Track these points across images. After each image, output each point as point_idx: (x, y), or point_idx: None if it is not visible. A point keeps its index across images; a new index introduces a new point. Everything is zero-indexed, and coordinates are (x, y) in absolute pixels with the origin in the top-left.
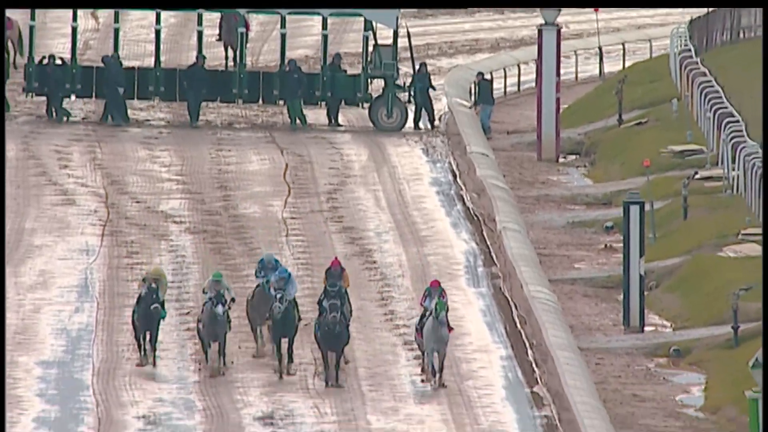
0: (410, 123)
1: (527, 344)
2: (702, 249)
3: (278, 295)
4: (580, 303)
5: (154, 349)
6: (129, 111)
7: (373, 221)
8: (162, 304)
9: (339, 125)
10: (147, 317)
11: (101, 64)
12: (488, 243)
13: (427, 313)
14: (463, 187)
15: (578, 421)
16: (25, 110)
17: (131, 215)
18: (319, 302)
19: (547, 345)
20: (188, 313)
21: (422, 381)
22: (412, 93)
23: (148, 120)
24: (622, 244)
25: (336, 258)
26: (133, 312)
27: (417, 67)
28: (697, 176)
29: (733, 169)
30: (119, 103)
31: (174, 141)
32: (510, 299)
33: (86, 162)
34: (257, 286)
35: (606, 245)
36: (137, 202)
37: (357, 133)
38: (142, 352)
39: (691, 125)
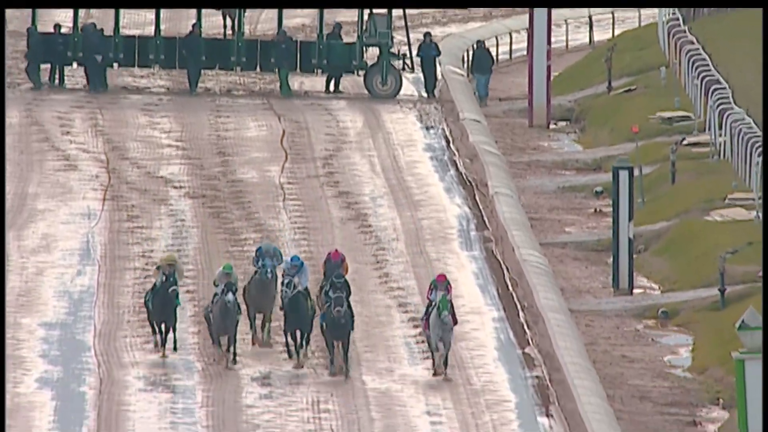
0: (404, 90)
1: (519, 306)
2: (689, 213)
3: (286, 281)
4: (570, 266)
5: (164, 342)
6: (130, 78)
7: (368, 186)
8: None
9: (340, 92)
10: (164, 305)
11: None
12: (481, 207)
13: (433, 305)
14: (456, 153)
15: (568, 381)
16: (26, 78)
17: (132, 180)
18: (325, 293)
19: (538, 307)
20: (189, 277)
21: (434, 375)
22: (419, 62)
23: (148, 87)
24: (611, 209)
25: (336, 249)
26: (146, 298)
27: (422, 37)
28: (684, 142)
29: (720, 135)
30: (97, 70)
31: (174, 108)
32: (502, 262)
33: (88, 128)
34: (255, 273)
35: (596, 209)
36: (138, 167)
37: (352, 101)
38: (158, 340)
39: (679, 92)
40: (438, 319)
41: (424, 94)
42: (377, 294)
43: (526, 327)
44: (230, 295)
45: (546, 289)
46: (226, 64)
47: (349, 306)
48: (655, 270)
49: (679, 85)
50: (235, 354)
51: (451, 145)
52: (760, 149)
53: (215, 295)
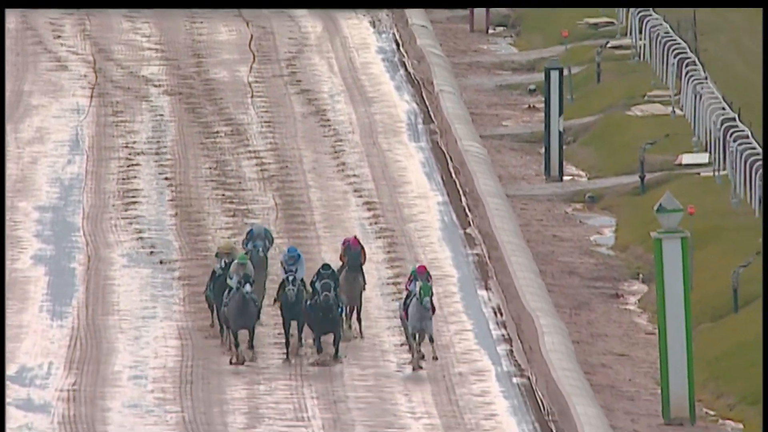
0: None
1: (461, 191)
2: (613, 109)
3: (290, 277)
4: (507, 156)
5: (237, 344)
6: None
7: (326, 84)
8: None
9: None
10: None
11: None
12: (427, 103)
13: (412, 295)
14: (405, 55)
15: (505, 258)
16: None
17: (116, 79)
18: (312, 284)
19: (478, 192)
20: (167, 165)
21: (409, 363)
22: None
23: None
24: (543, 105)
25: (355, 237)
26: (207, 287)
27: None
28: (608, 45)
29: (640, 39)
30: None
31: (153, 14)
32: (446, 152)
33: (77, 33)
34: (246, 253)
35: (529, 105)
36: (121, 67)
37: (313, 8)
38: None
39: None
40: (419, 307)
41: None
42: (335, 181)
43: (467, 210)
44: (248, 287)
45: (485, 176)
46: None
47: (337, 296)
48: (582, 159)
49: None
50: (252, 347)
51: (401, 48)
52: (676, 51)
53: (230, 289)
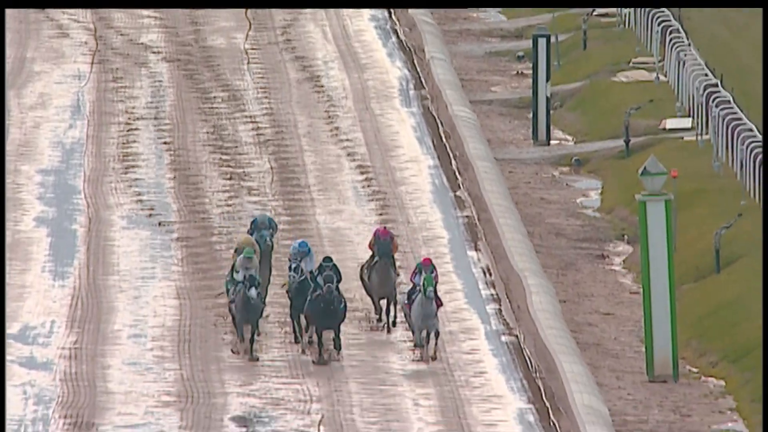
0: None
1: (451, 155)
2: (599, 75)
3: (293, 265)
4: (496, 120)
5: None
6: None
7: (321, 51)
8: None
9: None
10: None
11: None
12: (418, 70)
13: (417, 289)
14: (397, 23)
15: (494, 220)
16: None
17: (116, 46)
18: (314, 278)
19: (468, 156)
20: (165, 130)
21: (414, 359)
22: None
23: None
24: (531, 71)
25: (384, 227)
26: (227, 280)
27: None
28: (594, 13)
29: (625, 6)
30: None
31: None
32: (437, 117)
33: None
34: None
35: (518, 72)
36: (121, 35)
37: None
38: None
39: None
40: (424, 300)
41: None
42: (329, 145)
43: (457, 173)
44: (253, 291)
45: (475, 141)
46: None
47: (339, 292)
48: (569, 124)
49: None
50: (252, 342)
51: (393, 15)
52: (660, 19)
53: (236, 283)
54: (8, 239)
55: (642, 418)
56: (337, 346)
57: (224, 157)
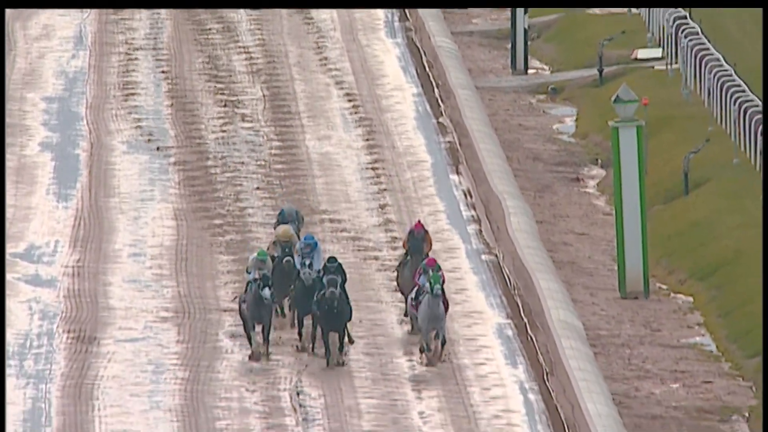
0: None
1: (434, 84)
2: (574, 8)
3: (307, 262)
4: (476, 51)
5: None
6: None
7: None
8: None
9: None
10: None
11: None
12: None
13: (423, 291)
14: None
15: (475, 145)
16: None
17: None
18: (319, 279)
19: (450, 84)
20: (163, 60)
21: (419, 362)
22: None
23: None
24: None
25: (419, 221)
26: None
27: None
28: None
29: None
30: None
31: None
32: (420, 48)
33: None
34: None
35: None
36: None
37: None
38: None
39: None
40: (432, 300)
41: None
42: (318, 74)
43: (439, 101)
44: (266, 291)
45: (456, 70)
46: None
47: (344, 291)
48: (545, 54)
49: None
50: (268, 343)
51: None
52: None
53: (248, 283)
54: (15, 163)
55: (614, 332)
56: (340, 349)
57: (219, 85)
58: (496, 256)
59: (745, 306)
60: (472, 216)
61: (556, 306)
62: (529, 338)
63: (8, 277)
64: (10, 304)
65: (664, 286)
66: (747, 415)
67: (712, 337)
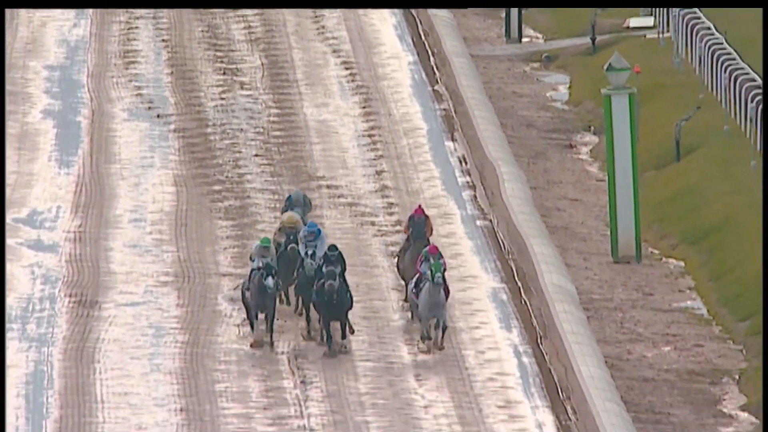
0: None
1: (429, 52)
2: None
3: (310, 251)
4: (471, 19)
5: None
6: None
7: None
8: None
9: None
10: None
11: None
12: None
13: (424, 278)
14: None
15: (470, 112)
16: None
17: None
18: (319, 268)
19: (445, 52)
20: (163, 29)
21: (419, 349)
22: None
23: None
24: None
25: (420, 206)
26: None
27: None
28: None
29: None
30: None
31: None
32: (416, 17)
33: None
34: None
35: None
36: None
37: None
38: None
39: None
40: (432, 288)
41: None
42: (316, 42)
43: (435, 69)
44: (270, 280)
45: (451, 38)
46: None
47: (344, 280)
48: (539, 22)
49: None
50: (272, 331)
51: None
52: None
53: (252, 271)
54: (17, 130)
55: (607, 296)
56: (343, 336)
57: (218, 53)
58: (491, 221)
59: (736, 270)
60: (467, 182)
61: (549, 270)
62: (523, 302)
63: (11, 242)
64: (12, 268)
65: (655, 251)
66: (737, 377)
67: (703, 300)
